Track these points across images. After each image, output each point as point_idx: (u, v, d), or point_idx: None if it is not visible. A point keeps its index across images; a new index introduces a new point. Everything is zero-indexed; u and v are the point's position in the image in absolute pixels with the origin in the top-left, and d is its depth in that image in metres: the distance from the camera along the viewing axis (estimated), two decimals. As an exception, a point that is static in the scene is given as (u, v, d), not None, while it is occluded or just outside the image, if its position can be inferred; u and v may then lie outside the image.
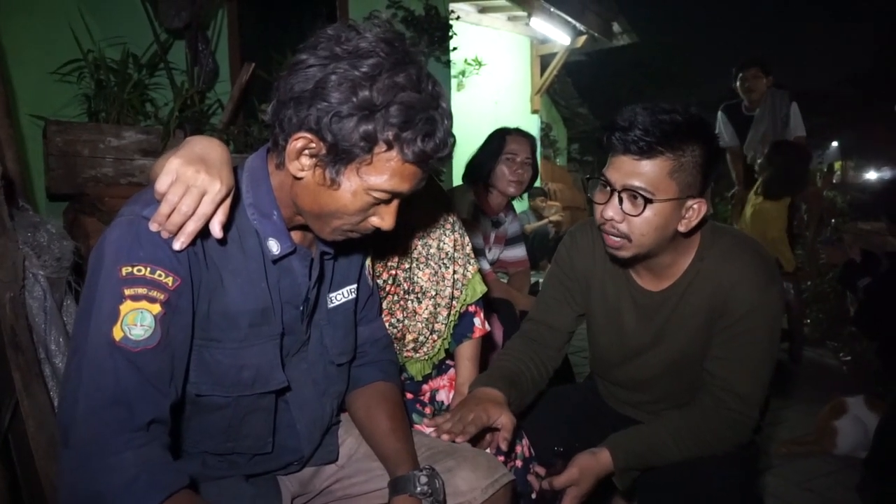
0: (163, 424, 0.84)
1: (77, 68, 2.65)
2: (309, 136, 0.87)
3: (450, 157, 0.92)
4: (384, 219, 0.96)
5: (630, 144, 1.15)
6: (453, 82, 6.81)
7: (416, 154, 0.88)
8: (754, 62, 3.98)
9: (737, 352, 1.26)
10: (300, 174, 0.90)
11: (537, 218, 7.48)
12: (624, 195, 1.17)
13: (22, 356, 1.49)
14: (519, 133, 2.37)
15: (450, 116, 0.92)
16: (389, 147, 0.87)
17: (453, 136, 0.92)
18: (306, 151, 0.88)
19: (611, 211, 1.19)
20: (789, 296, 3.54)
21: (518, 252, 2.58)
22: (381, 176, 0.89)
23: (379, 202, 0.93)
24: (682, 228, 1.22)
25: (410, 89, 0.86)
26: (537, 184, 8.12)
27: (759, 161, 3.79)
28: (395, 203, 0.95)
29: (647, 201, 1.16)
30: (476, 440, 1.27)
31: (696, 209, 1.21)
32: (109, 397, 0.79)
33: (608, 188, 1.20)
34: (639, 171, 1.16)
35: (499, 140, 2.34)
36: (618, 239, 1.22)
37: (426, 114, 0.87)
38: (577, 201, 9.08)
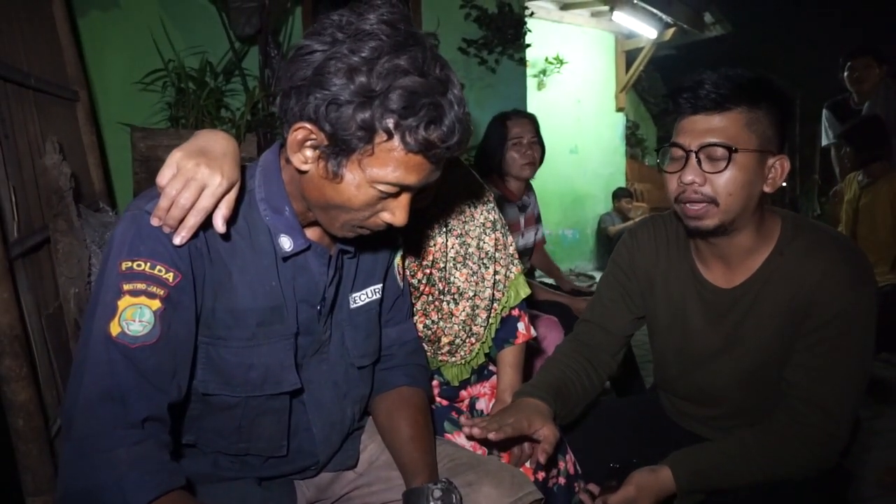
0: (160, 422, 0.83)
1: (159, 78, 2.81)
2: (309, 126, 0.83)
3: (460, 146, 0.85)
4: (395, 214, 0.90)
5: (702, 100, 1.10)
6: (534, 82, 6.71)
7: (420, 143, 0.81)
8: (866, 50, 3.66)
9: (822, 360, 1.12)
10: (304, 167, 0.87)
11: (622, 220, 7.21)
12: (702, 155, 1.10)
13: (85, 349, 1.57)
14: (518, 115, 2.37)
15: (462, 103, 0.85)
16: (390, 136, 0.81)
17: (465, 125, 0.85)
18: (308, 143, 0.84)
19: (690, 174, 1.10)
20: None
21: (539, 233, 2.65)
22: (384, 168, 0.83)
23: (387, 196, 0.87)
24: (767, 189, 1.13)
25: (413, 73, 0.80)
26: (622, 184, 7.89)
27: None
28: (404, 197, 0.89)
29: (731, 152, 1.08)
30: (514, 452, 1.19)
31: (780, 167, 1.13)
32: (105, 393, 0.79)
33: (682, 154, 1.12)
34: (715, 126, 1.09)
35: (500, 127, 2.33)
36: (701, 205, 1.11)
37: (431, 99, 0.81)
38: (665, 202, 8.65)
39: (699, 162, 1.10)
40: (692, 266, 1.28)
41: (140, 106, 2.88)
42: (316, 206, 0.91)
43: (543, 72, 6.89)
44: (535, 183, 2.55)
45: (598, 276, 6.91)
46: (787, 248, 1.17)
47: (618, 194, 7.42)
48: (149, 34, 2.83)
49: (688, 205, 1.13)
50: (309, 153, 0.85)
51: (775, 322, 1.17)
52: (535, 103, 5.57)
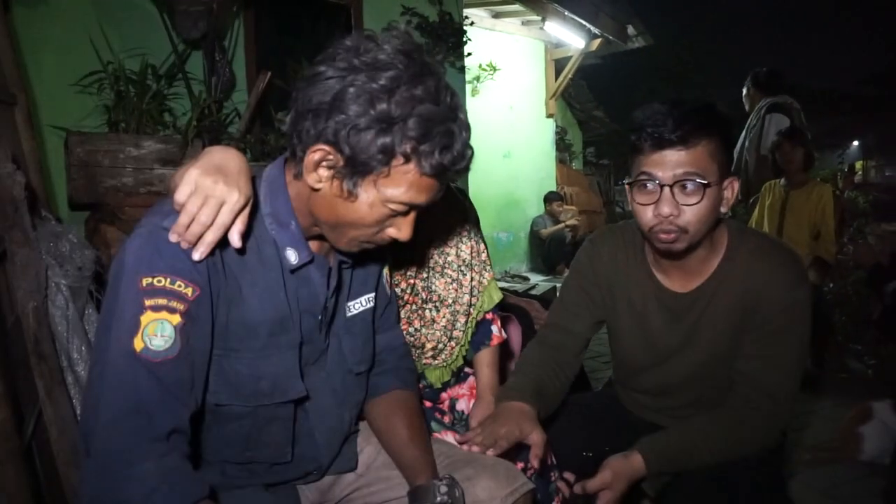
0: (183, 434, 0.85)
1: (97, 80, 2.69)
2: (327, 148, 0.87)
3: (467, 168, 0.92)
4: (401, 230, 0.96)
5: (670, 135, 1.15)
6: (468, 88, 6.82)
7: (434, 167, 0.88)
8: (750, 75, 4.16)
9: (768, 351, 1.25)
10: (318, 186, 0.91)
11: (553, 222, 7.46)
12: (676, 188, 1.17)
13: (45, 364, 1.52)
14: None
15: (468, 128, 0.92)
16: (407, 160, 0.87)
17: (471, 148, 0.92)
18: (324, 163, 0.89)
19: (667, 206, 1.17)
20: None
21: None
22: (398, 188, 0.89)
23: (396, 214, 0.93)
24: (724, 209, 1.23)
25: (429, 101, 0.86)
26: (553, 188, 8.15)
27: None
28: (412, 214, 0.95)
29: (706, 186, 1.16)
30: (505, 455, 1.26)
31: (731, 187, 1.24)
32: (130, 407, 0.80)
33: (655, 186, 1.18)
34: (686, 160, 1.16)
35: None
36: (673, 234, 1.19)
37: (444, 126, 0.87)
38: (593, 205, 9.03)
39: (673, 195, 1.17)
40: (650, 273, 1.38)
41: (72, 109, 2.74)
42: (325, 222, 0.95)
43: (477, 78, 7.01)
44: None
45: (532, 277, 7.13)
46: (736, 253, 1.29)
47: (549, 197, 7.66)
48: (82, 34, 2.69)
49: (661, 234, 1.21)
50: (324, 173, 0.90)
51: (728, 320, 1.29)
52: (470, 110, 5.59)
